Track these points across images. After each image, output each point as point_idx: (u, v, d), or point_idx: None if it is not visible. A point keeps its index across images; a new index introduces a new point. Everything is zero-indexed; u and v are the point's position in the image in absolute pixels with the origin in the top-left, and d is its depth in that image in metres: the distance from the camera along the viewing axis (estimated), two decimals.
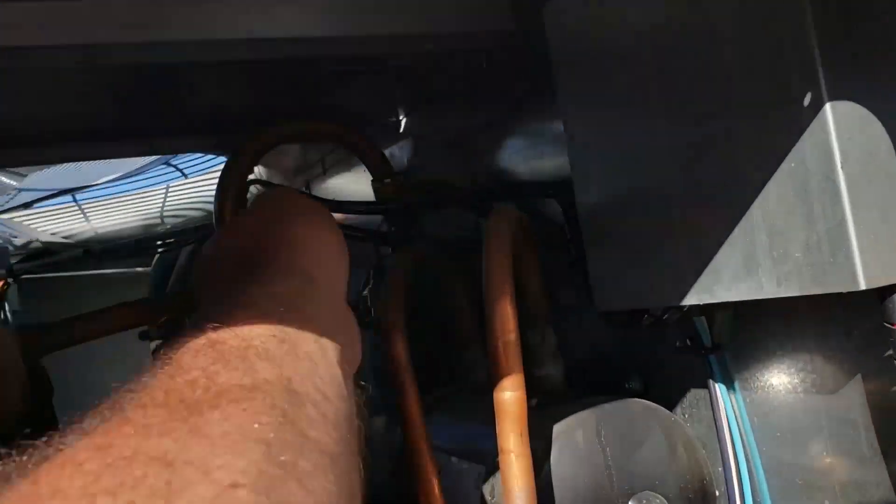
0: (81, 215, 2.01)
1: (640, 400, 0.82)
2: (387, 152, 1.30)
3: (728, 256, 0.61)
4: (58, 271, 1.92)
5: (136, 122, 1.22)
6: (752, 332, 0.78)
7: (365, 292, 1.23)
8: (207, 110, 1.21)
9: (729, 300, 0.62)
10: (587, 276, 0.85)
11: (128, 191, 2.00)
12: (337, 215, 1.49)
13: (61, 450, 0.27)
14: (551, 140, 1.07)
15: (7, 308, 1.94)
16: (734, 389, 0.79)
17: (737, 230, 0.60)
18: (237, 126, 1.21)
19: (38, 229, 2.07)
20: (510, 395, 0.68)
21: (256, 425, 0.30)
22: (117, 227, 2.05)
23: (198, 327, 0.36)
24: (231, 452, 0.28)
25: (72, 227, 2.07)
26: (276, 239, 0.49)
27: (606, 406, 0.80)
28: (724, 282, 0.61)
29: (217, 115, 1.22)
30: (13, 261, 1.84)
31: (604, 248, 0.78)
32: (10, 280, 1.85)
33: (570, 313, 1.06)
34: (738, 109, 0.60)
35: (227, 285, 0.45)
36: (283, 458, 0.29)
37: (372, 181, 1.27)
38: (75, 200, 2.00)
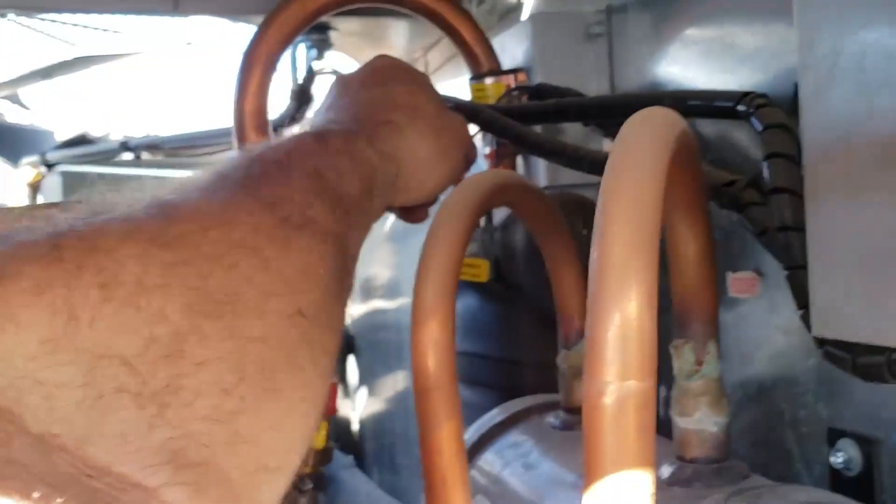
0: None
1: None
2: (496, 42, 0.92)
3: None
4: (103, 165, 1.67)
5: None
6: None
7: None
8: None
9: None
10: (795, 269, 0.46)
11: None
12: None
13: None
14: (743, 22, 0.67)
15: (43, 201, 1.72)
16: None
17: None
18: None
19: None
20: None
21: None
22: None
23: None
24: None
25: None
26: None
27: None
28: None
29: None
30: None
31: (848, 221, 0.39)
32: (44, 170, 1.62)
33: (738, 307, 0.67)
34: None
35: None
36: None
37: (470, 79, 0.90)
38: None
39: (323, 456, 0.66)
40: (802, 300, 0.47)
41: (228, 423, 0.30)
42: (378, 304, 1.82)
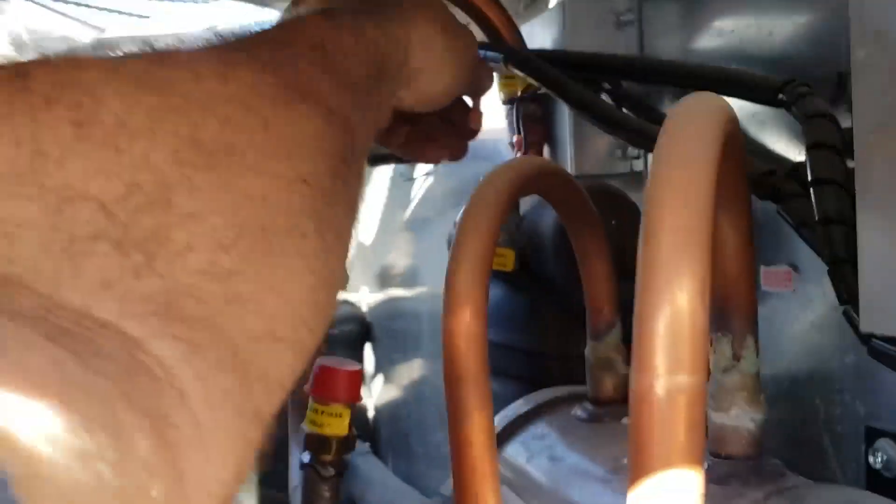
0: None
1: None
2: (524, 29, 0.91)
3: None
4: None
5: None
6: None
7: None
8: None
9: None
10: (838, 263, 0.45)
11: None
12: None
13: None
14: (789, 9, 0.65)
15: None
16: None
17: None
18: None
19: None
20: None
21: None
22: None
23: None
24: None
25: None
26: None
27: None
28: None
29: None
30: None
31: None
32: None
33: (770, 302, 0.66)
34: None
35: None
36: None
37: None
38: None
39: (346, 443, 0.66)
40: (846, 295, 0.46)
41: (227, 282, 0.27)
42: (395, 292, 1.81)
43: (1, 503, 0.19)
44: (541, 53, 0.77)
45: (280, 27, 0.38)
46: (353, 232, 0.36)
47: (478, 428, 0.47)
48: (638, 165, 0.82)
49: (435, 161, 0.63)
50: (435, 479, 1.59)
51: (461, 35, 0.53)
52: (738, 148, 0.43)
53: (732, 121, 0.39)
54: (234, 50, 0.33)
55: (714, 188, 0.34)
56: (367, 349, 2.32)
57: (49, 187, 0.25)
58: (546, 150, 0.88)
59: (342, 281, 0.35)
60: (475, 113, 0.65)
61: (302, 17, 0.40)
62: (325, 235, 0.32)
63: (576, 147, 0.84)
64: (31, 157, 0.24)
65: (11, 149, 0.24)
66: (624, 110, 0.75)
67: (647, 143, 0.65)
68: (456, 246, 0.50)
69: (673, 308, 0.31)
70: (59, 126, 0.25)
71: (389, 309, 1.88)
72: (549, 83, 0.70)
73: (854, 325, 0.45)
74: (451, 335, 0.48)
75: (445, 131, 0.61)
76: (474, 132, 0.65)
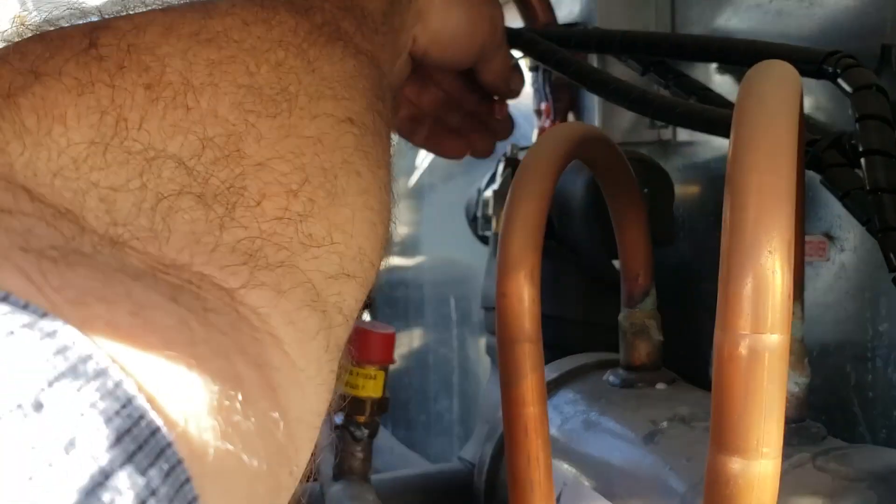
0: None
1: None
2: None
3: None
4: None
5: None
6: None
7: (487, 192, 0.86)
8: None
9: None
10: (888, 231, 0.46)
11: None
12: None
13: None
14: None
15: None
16: None
17: None
18: None
19: None
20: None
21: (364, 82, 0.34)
22: None
23: None
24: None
25: None
26: None
27: None
28: None
29: None
30: None
31: None
32: None
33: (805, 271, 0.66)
34: None
35: None
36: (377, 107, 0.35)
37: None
38: None
39: (380, 405, 0.67)
40: None
41: (300, 226, 0.29)
42: (396, 261, 1.81)
43: (167, 460, 0.19)
44: (574, 32, 0.77)
45: None
46: (391, 164, 0.37)
47: (532, 388, 0.48)
48: (666, 134, 0.82)
49: (458, 155, 0.64)
50: (437, 446, 1.60)
51: None
52: (802, 116, 0.43)
53: (801, 90, 0.40)
54: None
55: (797, 151, 0.34)
56: (365, 317, 2.32)
57: (134, 151, 0.26)
58: (571, 118, 0.89)
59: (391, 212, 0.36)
60: (502, 106, 0.66)
61: None
62: (376, 171, 0.34)
63: (603, 115, 0.84)
64: (115, 123, 0.26)
65: (96, 116, 0.26)
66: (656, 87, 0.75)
67: (671, 117, 0.66)
68: (508, 211, 0.51)
69: (759, 268, 0.32)
70: (134, 91, 0.27)
71: (390, 277, 1.88)
72: (555, 63, 0.70)
73: None
74: (505, 297, 0.49)
75: (471, 127, 0.62)
76: (504, 131, 0.65)
